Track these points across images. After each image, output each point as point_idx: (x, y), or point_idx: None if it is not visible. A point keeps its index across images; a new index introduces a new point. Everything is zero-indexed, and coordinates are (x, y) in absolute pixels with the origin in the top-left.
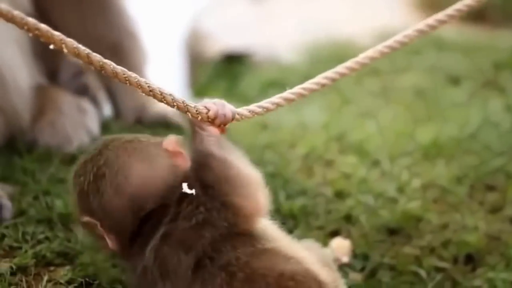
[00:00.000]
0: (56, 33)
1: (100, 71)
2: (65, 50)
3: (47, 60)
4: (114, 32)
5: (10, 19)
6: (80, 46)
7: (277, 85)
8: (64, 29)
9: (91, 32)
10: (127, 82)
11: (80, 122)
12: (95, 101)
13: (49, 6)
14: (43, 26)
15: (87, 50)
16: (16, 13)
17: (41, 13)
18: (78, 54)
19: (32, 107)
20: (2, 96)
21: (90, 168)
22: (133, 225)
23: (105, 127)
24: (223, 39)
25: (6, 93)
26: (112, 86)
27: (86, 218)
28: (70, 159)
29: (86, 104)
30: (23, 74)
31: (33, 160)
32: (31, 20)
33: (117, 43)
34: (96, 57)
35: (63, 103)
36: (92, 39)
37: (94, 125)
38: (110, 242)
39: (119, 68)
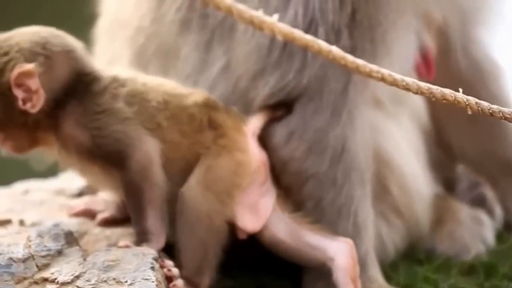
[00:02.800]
0: None
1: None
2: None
3: (444, 170)
4: (507, 149)
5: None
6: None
7: None
8: (456, 143)
9: (482, 147)
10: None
11: (477, 232)
12: (491, 212)
13: (445, 121)
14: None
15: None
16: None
17: (437, 128)
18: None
19: (431, 216)
20: (405, 204)
21: None
22: None
23: (498, 238)
24: None
25: (410, 201)
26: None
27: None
28: (468, 268)
29: (483, 215)
30: (424, 184)
31: (433, 269)
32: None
33: (509, 160)
34: None
35: (461, 213)
36: (482, 153)
37: (489, 236)
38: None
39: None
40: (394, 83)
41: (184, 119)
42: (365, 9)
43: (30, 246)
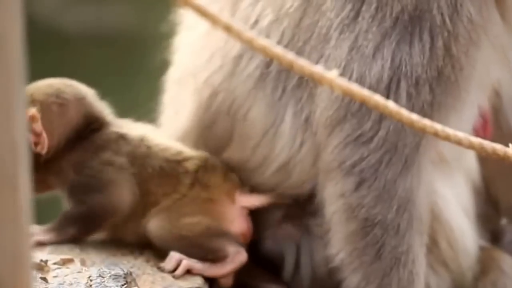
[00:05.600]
0: None
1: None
2: None
3: (490, 223)
4: None
5: None
6: None
7: None
8: (503, 198)
9: None
10: None
11: None
12: None
13: (493, 177)
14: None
15: None
16: None
17: (485, 184)
18: None
19: (475, 267)
20: (452, 258)
21: None
22: None
23: None
24: None
25: (456, 255)
26: None
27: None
28: None
29: None
30: (470, 239)
31: None
32: None
33: None
34: None
35: (504, 263)
36: None
37: None
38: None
39: None
40: (447, 138)
41: (172, 186)
42: (458, 64)
43: (91, 286)
